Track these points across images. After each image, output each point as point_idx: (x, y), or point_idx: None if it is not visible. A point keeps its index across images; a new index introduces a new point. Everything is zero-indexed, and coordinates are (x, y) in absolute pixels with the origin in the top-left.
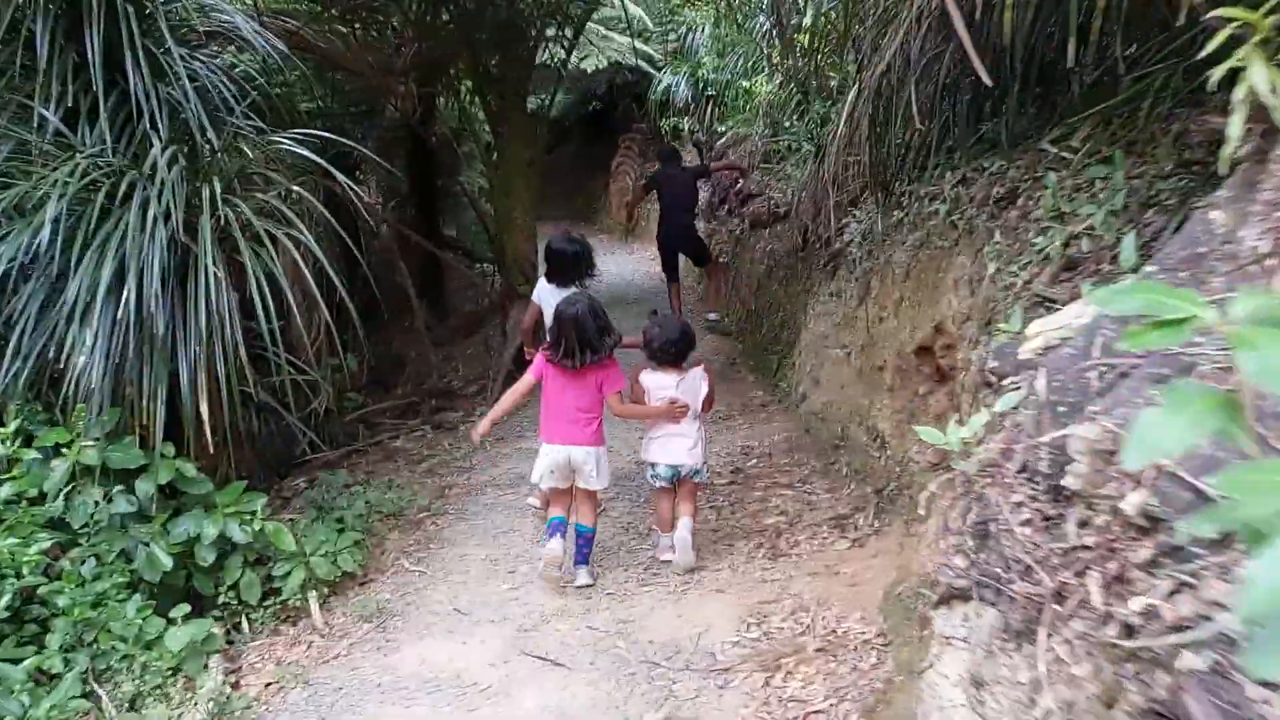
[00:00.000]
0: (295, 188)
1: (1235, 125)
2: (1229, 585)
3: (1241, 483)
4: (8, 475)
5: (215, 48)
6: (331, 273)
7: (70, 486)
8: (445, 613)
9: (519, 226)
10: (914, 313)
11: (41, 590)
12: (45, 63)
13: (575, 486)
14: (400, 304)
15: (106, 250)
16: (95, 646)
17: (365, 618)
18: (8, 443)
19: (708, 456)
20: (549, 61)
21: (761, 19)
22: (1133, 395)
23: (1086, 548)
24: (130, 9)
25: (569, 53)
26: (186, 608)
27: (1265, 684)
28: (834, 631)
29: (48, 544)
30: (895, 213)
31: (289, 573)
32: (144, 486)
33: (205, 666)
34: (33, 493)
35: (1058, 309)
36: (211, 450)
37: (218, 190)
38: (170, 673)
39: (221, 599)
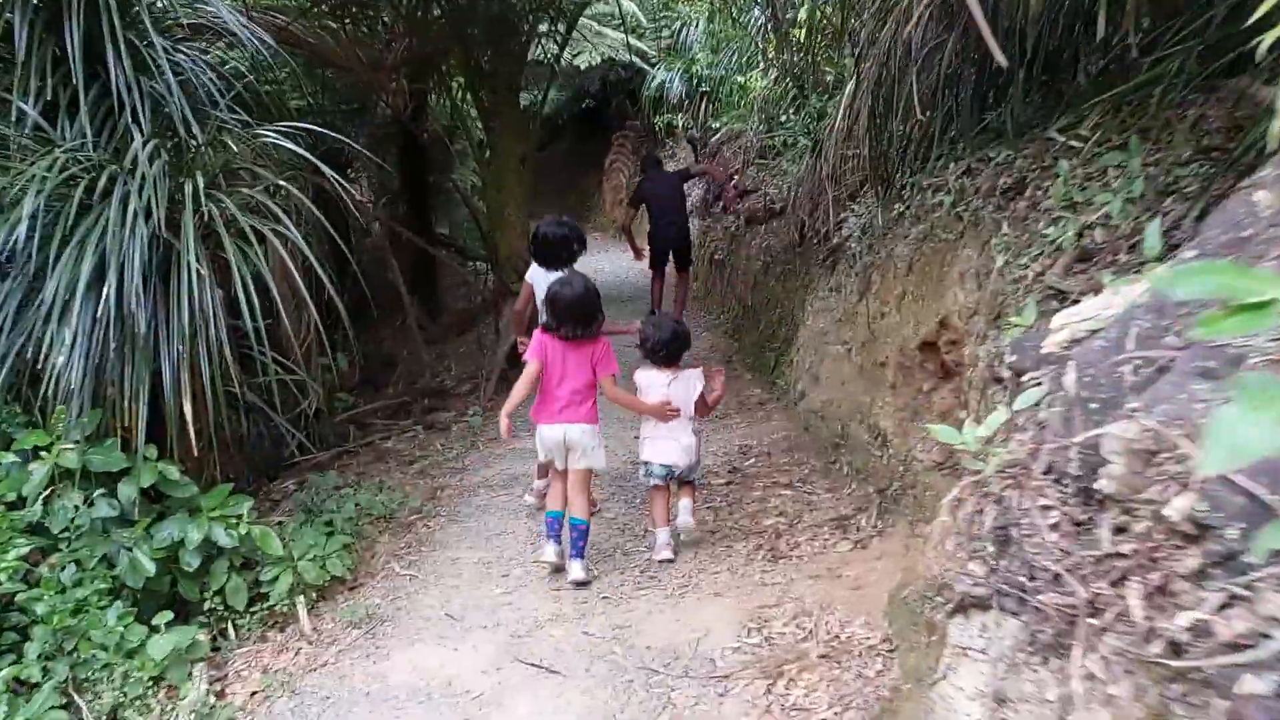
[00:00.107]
0: (282, 183)
1: None
2: None
3: None
4: None
5: (204, 44)
6: (320, 270)
7: (50, 490)
8: (436, 618)
9: (512, 223)
10: (917, 307)
11: (20, 597)
12: (24, 55)
13: (568, 471)
14: (392, 302)
15: (86, 247)
16: (75, 655)
17: (354, 623)
18: None
19: (702, 458)
20: (542, 57)
21: (756, 13)
22: (1175, 391)
23: (1123, 556)
24: (112, 0)
25: (562, 48)
26: (170, 615)
27: None
28: (837, 637)
29: (26, 550)
30: (896, 206)
31: (276, 577)
32: (126, 490)
33: (189, 675)
34: (11, 497)
35: (1074, 301)
36: (196, 452)
37: (200, 185)
38: (152, 682)
39: (207, 605)
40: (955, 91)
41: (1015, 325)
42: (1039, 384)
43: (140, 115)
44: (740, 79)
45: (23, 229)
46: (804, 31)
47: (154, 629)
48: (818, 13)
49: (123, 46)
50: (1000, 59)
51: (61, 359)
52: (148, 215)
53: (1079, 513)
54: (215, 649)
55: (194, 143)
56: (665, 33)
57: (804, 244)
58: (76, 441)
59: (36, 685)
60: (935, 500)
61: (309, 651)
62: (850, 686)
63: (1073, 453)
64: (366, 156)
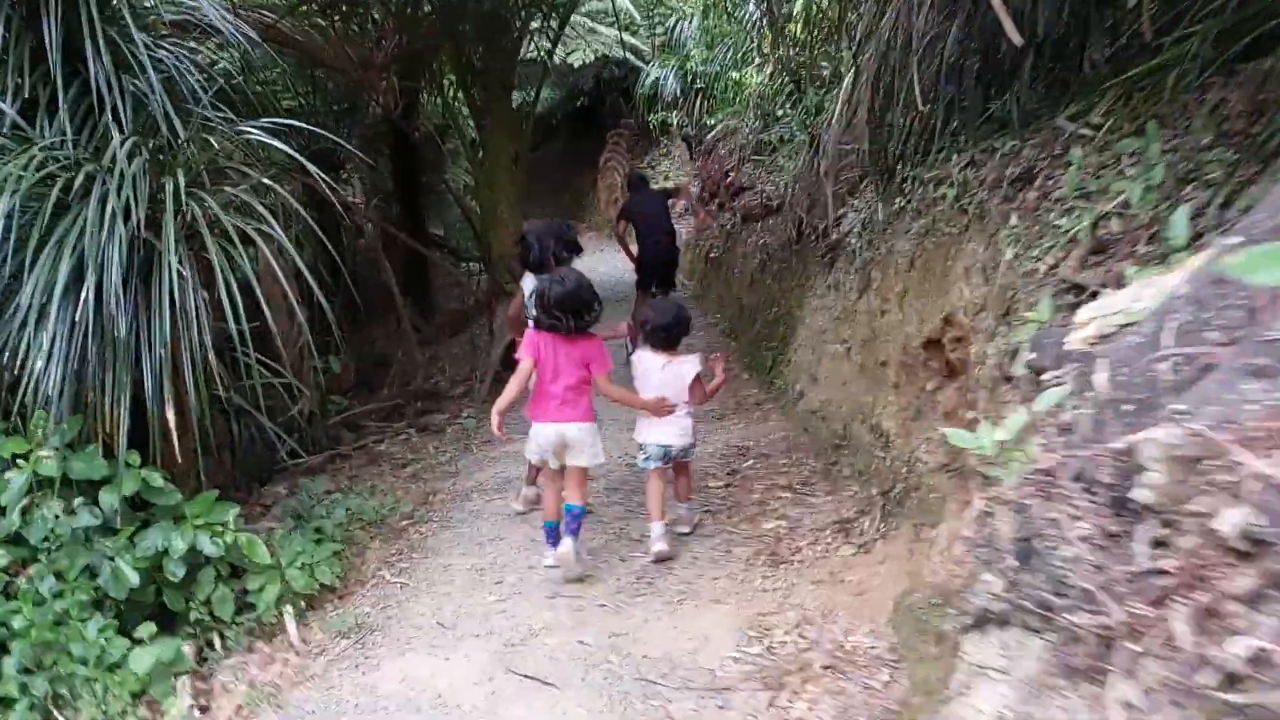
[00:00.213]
0: (265, 180)
1: None
2: None
3: None
4: None
5: (193, 42)
6: (306, 271)
7: (29, 499)
8: (428, 626)
9: (505, 223)
10: (920, 304)
11: None
12: (1, 52)
13: (565, 468)
14: (386, 303)
15: (64, 248)
16: (55, 670)
17: (343, 633)
18: None
19: (697, 438)
20: (534, 55)
21: (751, 8)
22: (1222, 391)
23: (1165, 573)
24: None
25: (554, 44)
26: (153, 627)
27: None
28: (841, 646)
29: (4, 561)
30: (897, 200)
31: (263, 587)
32: (108, 498)
33: (173, 689)
34: None
35: (1092, 295)
36: (181, 459)
37: (182, 184)
38: (134, 698)
39: (193, 615)
40: (958, 82)
41: (1030, 321)
42: (1061, 383)
43: (121, 113)
44: (735, 75)
45: None
46: (800, 25)
47: (136, 642)
48: (814, 6)
49: (102, 42)
50: (1015, 37)
51: (40, 364)
52: (127, 215)
53: (1112, 524)
54: (202, 660)
55: (176, 140)
56: (660, 29)
57: (801, 241)
58: (56, 448)
59: (14, 702)
60: (940, 503)
61: (297, 662)
62: (856, 699)
63: (1105, 458)
64: (357, 156)
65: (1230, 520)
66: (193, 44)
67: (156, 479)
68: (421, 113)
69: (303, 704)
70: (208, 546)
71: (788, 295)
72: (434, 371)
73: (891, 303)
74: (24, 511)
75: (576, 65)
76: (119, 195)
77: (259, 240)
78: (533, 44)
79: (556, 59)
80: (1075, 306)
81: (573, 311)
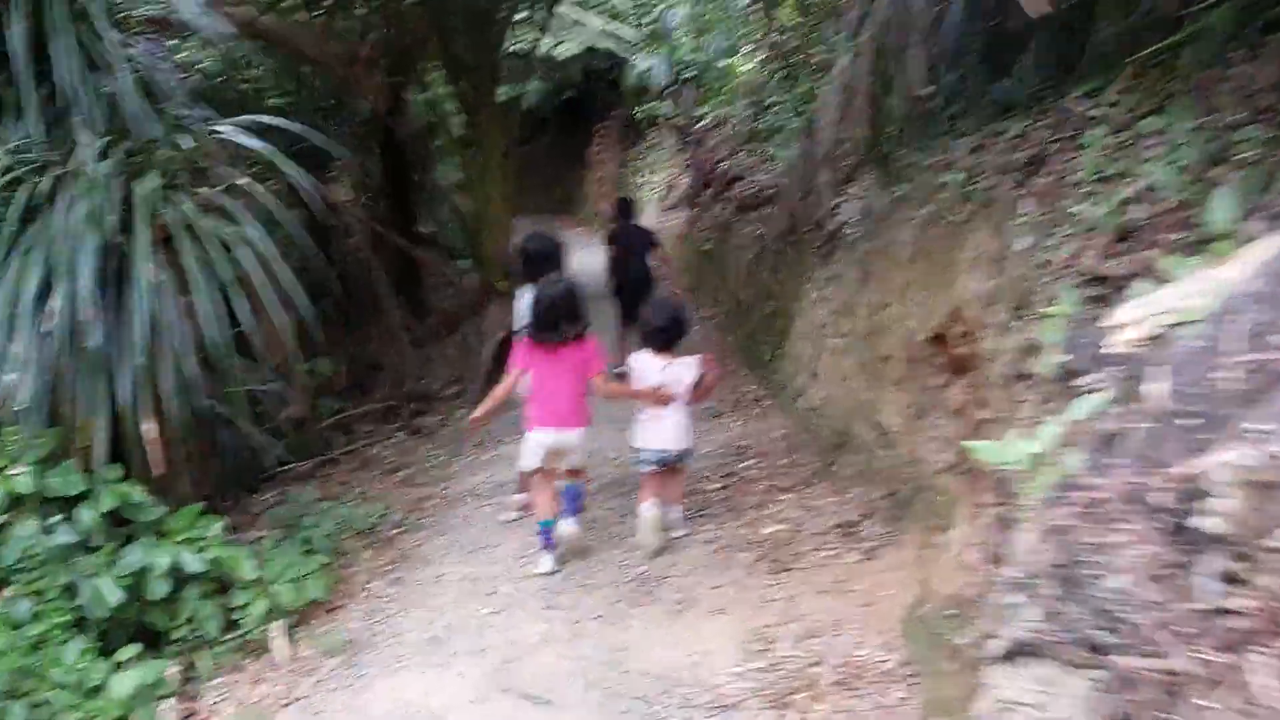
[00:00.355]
0: (242, 181)
1: None
2: None
3: None
4: None
5: (175, 40)
6: (290, 273)
7: (3, 518)
8: (420, 642)
9: (495, 221)
10: (923, 297)
11: None
12: None
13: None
14: (377, 304)
15: (32, 255)
16: (33, 696)
17: (333, 651)
18: None
19: (694, 441)
20: (520, 48)
21: None
22: None
23: (1239, 614)
24: None
25: (542, 31)
26: (136, 648)
27: None
28: (850, 660)
29: None
30: (897, 188)
31: (250, 603)
32: (87, 514)
33: (155, 714)
34: None
35: (1119, 287)
36: (163, 471)
37: (155, 186)
38: None
39: (178, 633)
40: (958, 64)
41: (1052, 316)
42: (1100, 389)
43: (91, 113)
44: (725, 63)
45: None
46: (792, 8)
47: (118, 665)
48: None
49: (70, 41)
50: (1037, 6)
51: (11, 376)
52: (98, 220)
53: (1169, 553)
54: (188, 679)
55: (148, 141)
56: (647, 18)
57: (797, 231)
58: (31, 464)
59: None
60: (949, 506)
61: (285, 682)
62: (867, 717)
63: (1163, 480)
64: (343, 152)
65: None
66: (175, 42)
67: (137, 494)
68: (410, 109)
69: None
70: (191, 563)
71: (784, 287)
72: (426, 372)
73: (893, 295)
74: None
75: (563, 58)
76: (88, 199)
77: (236, 244)
78: (517, 35)
79: (543, 51)
80: (1099, 300)
81: (565, 319)
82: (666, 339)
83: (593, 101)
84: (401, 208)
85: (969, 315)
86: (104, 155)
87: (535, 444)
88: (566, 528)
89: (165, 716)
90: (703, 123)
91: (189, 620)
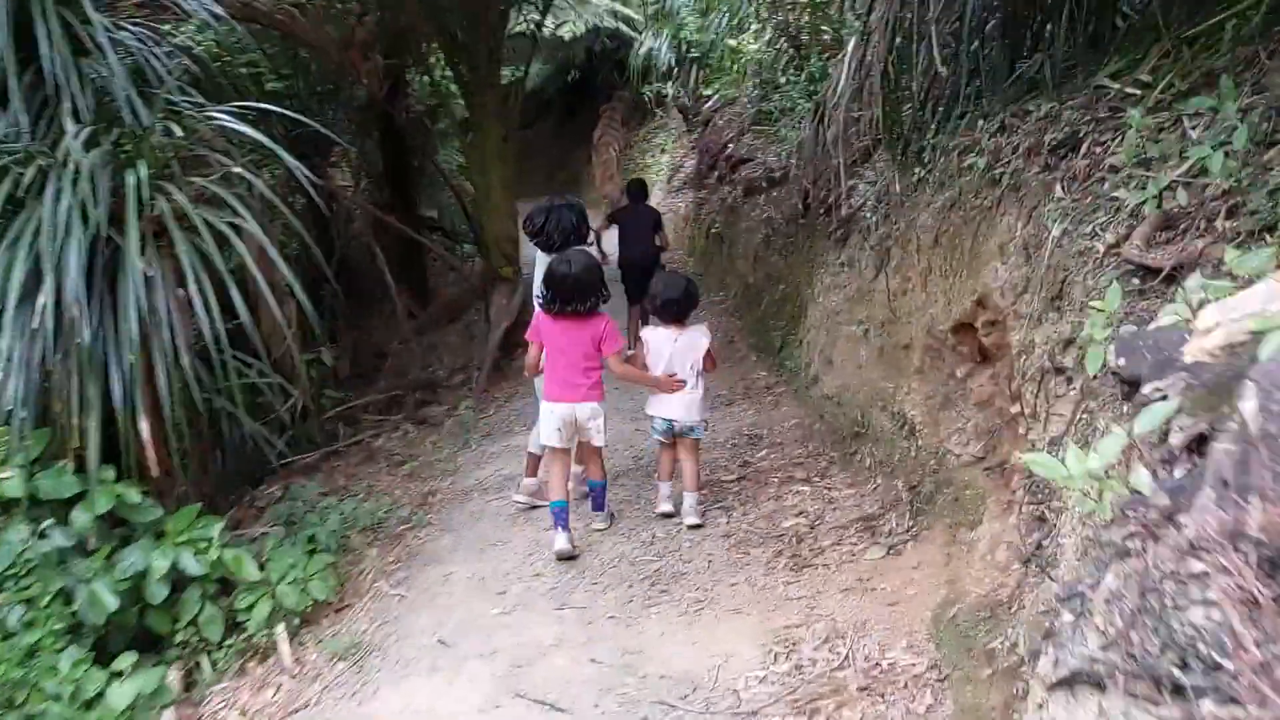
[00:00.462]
0: (238, 169)
1: None
2: None
3: None
4: None
5: (168, 25)
6: (282, 264)
7: None
8: (428, 645)
9: (498, 205)
10: (946, 284)
11: None
12: None
13: (581, 443)
14: (380, 291)
15: (18, 249)
16: (26, 709)
17: (340, 655)
18: None
19: (707, 414)
20: (523, 28)
21: None
22: None
23: None
24: None
25: (544, 13)
26: (133, 656)
27: None
28: (877, 664)
29: None
30: (915, 171)
31: (253, 605)
32: (81, 517)
33: None
34: None
35: (1166, 278)
36: (160, 470)
37: (145, 176)
38: None
39: (179, 637)
40: (981, 40)
41: (1099, 310)
42: (1162, 397)
43: (79, 101)
44: (731, 43)
45: None
46: None
47: (116, 674)
48: None
49: (56, 25)
50: None
51: None
52: (85, 211)
53: (1260, 586)
54: (190, 685)
55: (139, 129)
56: None
57: (808, 214)
58: (21, 467)
59: None
60: (977, 501)
61: (290, 688)
62: None
63: (1264, 508)
64: (337, 139)
65: None
66: (169, 26)
67: (133, 494)
68: (410, 93)
69: None
70: (191, 565)
71: (795, 272)
72: (431, 360)
73: (914, 282)
74: None
75: (567, 38)
76: (75, 190)
77: (232, 233)
78: (522, 17)
79: (546, 31)
80: (1144, 292)
81: (578, 295)
82: (678, 311)
83: (597, 82)
84: (402, 193)
85: (997, 303)
86: (92, 144)
87: (549, 416)
88: (599, 522)
89: None
90: (709, 103)
91: (190, 624)
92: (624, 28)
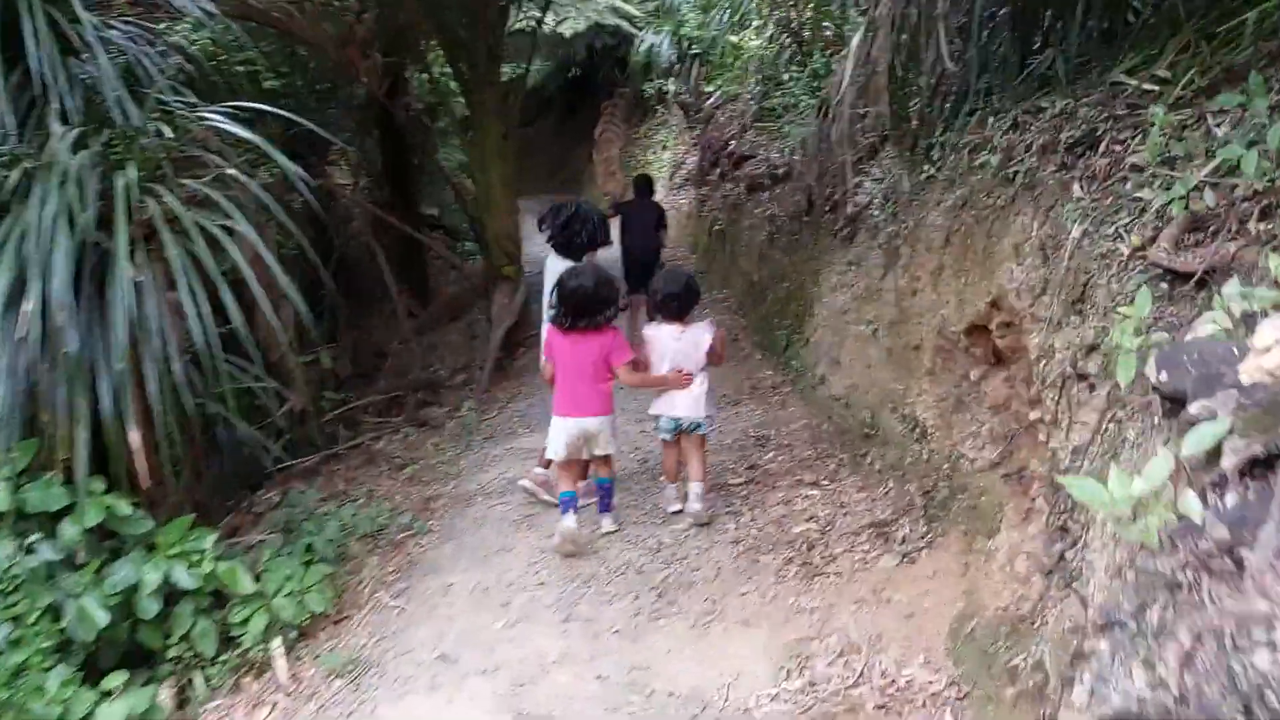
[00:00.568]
0: (232, 171)
1: None
2: None
3: None
4: None
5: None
6: (277, 266)
7: None
8: (428, 661)
9: (499, 203)
10: (959, 284)
11: None
12: None
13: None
14: (380, 290)
15: (3, 255)
16: None
17: (336, 671)
18: None
19: (712, 410)
20: (523, 25)
21: None
22: None
23: None
24: None
25: (544, 10)
26: (124, 675)
27: None
28: (894, 681)
29: None
30: (924, 168)
31: (249, 618)
32: (70, 530)
33: None
34: None
35: (1199, 283)
36: (151, 479)
37: (134, 178)
38: None
39: (172, 652)
40: (991, 35)
41: (1127, 317)
42: (1217, 417)
43: (67, 101)
44: (733, 39)
45: None
46: None
47: (105, 694)
48: None
49: (43, 23)
50: None
51: None
52: (73, 215)
53: None
54: (184, 702)
55: (128, 131)
56: None
57: (813, 212)
58: (8, 479)
59: None
60: (993, 508)
61: (286, 705)
62: None
63: None
64: (341, 138)
65: None
66: (165, 25)
67: (123, 506)
68: (410, 91)
69: None
70: (183, 578)
71: (800, 269)
72: (432, 360)
73: (924, 282)
74: None
75: (568, 35)
76: (61, 194)
77: (225, 236)
78: (522, 14)
79: (546, 28)
80: (1173, 297)
81: (590, 310)
82: (679, 307)
83: (598, 79)
84: (402, 191)
85: (1012, 305)
86: (81, 146)
87: (558, 431)
88: (607, 525)
89: None
90: (711, 100)
91: (183, 639)
92: (625, 24)
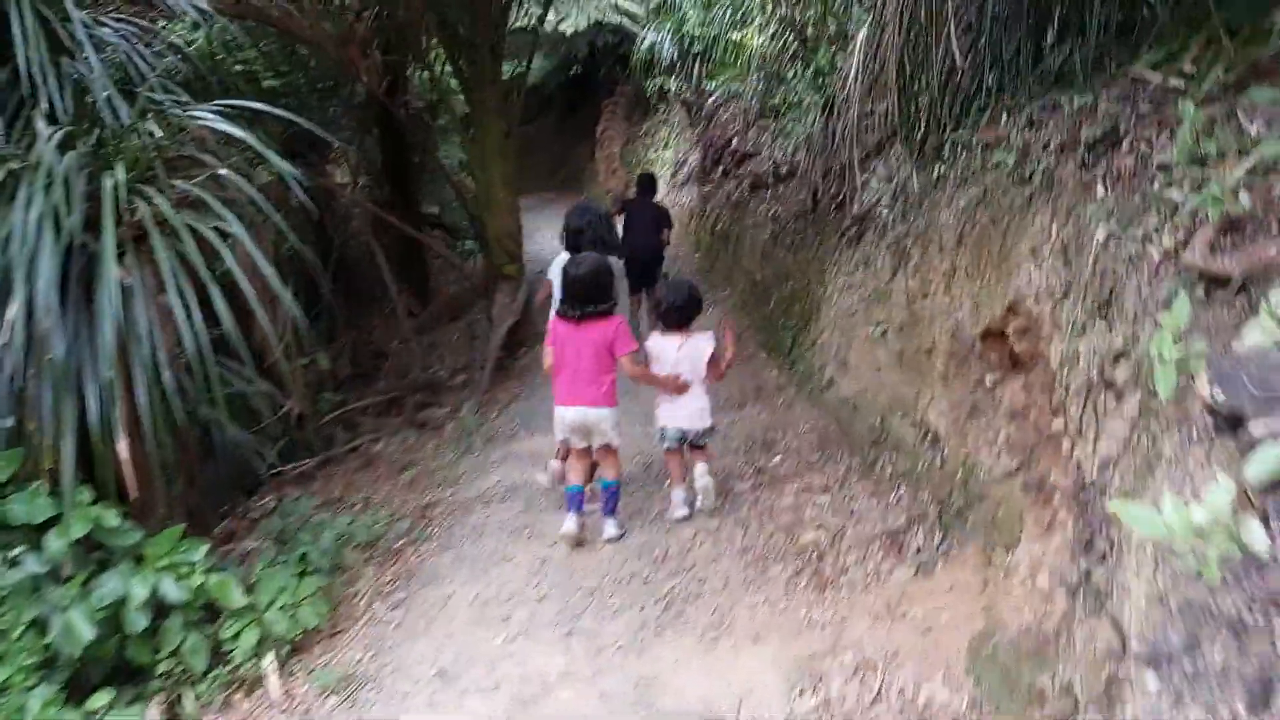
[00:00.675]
0: (224, 170)
1: None
2: None
3: None
4: None
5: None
6: (270, 269)
7: None
8: (426, 677)
9: (500, 201)
10: (974, 287)
11: None
12: None
13: (592, 448)
14: (380, 290)
15: None
16: None
17: (331, 688)
18: None
19: (715, 420)
20: (524, 23)
21: None
22: None
23: None
24: None
25: (545, 8)
26: (110, 694)
27: None
28: (913, 700)
29: None
30: (935, 167)
31: (240, 632)
32: (56, 542)
33: None
34: None
35: (1240, 289)
36: (140, 488)
37: (123, 179)
38: None
39: (161, 668)
40: (1004, 30)
41: (1165, 325)
42: (1276, 436)
43: (55, 100)
44: (735, 36)
45: None
46: None
47: (90, 714)
48: None
49: (32, 21)
50: None
51: None
52: (59, 217)
53: None
54: None
55: (118, 130)
56: None
57: (818, 210)
58: None
59: None
60: (1012, 519)
61: None
62: None
63: None
64: (341, 137)
65: None
66: (164, 24)
67: (111, 517)
68: (410, 89)
69: None
70: (172, 591)
71: (805, 269)
72: (432, 360)
73: (936, 284)
74: None
75: (569, 32)
76: (47, 195)
77: (216, 238)
78: (524, 12)
79: (547, 26)
80: (1209, 303)
81: (586, 296)
82: (681, 317)
83: (599, 77)
84: (403, 190)
85: (1030, 309)
86: (68, 146)
87: (557, 420)
88: (610, 530)
89: None
90: (713, 98)
91: (173, 654)
92: (626, 22)
